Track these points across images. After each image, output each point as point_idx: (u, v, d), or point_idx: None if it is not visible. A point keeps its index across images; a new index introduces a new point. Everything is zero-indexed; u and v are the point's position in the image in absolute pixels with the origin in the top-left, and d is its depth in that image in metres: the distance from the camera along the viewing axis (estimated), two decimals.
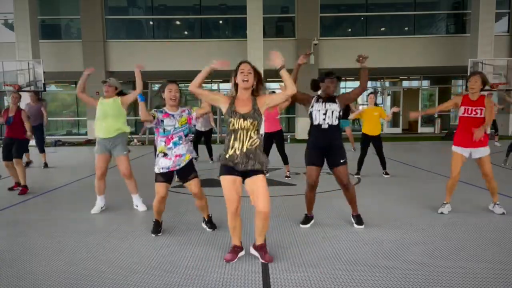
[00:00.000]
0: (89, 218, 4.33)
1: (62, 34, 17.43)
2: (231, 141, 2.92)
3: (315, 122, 3.70)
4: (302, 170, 7.83)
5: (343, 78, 18.60)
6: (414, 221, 3.99)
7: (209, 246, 3.36)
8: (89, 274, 2.78)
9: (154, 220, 3.76)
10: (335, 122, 3.69)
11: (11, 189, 5.88)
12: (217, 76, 18.09)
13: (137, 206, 4.74)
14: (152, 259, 3.06)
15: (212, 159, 8.81)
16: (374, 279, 2.63)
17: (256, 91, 3.01)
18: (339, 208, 4.53)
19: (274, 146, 6.71)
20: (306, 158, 3.79)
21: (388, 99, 19.68)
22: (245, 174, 2.95)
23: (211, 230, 3.81)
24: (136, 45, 16.11)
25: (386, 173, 6.70)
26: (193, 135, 3.56)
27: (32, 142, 6.45)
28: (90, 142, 14.80)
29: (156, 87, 20.74)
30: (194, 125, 4.27)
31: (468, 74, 13.75)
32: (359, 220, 3.86)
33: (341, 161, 3.67)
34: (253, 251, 3.09)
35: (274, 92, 3.22)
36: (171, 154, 3.52)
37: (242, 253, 3.10)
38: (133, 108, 15.73)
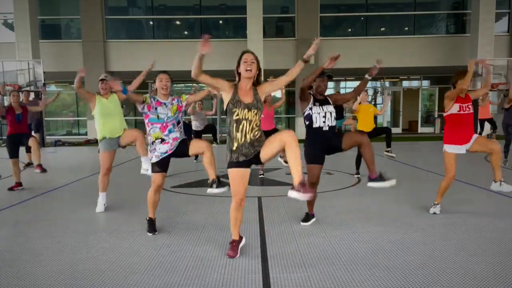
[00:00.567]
0: (89, 218, 4.33)
1: (62, 34, 17.44)
2: (234, 132, 2.94)
3: (315, 125, 3.75)
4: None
5: (343, 78, 18.62)
6: (414, 221, 3.99)
7: (209, 246, 3.36)
8: (89, 274, 2.78)
9: (147, 219, 3.77)
10: (333, 123, 3.80)
11: (11, 189, 5.87)
12: (218, 75, 18.10)
13: (147, 170, 4.29)
14: (152, 259, 3.06)
15: (216, 142, 8.71)
16: (374, 279, 2.63)
17: (256, 81, 3.05)
18: (339, 208, 4.53)
19: None
20: (308, 157, 3.82)
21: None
22: (255, 157, 2.97)
23: (223, 189, 3.53)
24: (136, 45, 16.12)
25: (389, 151, 6.67)
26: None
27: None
28: (90, 142, 14.81)
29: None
30: (185, 111, 4.29)
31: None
32: (381, 177, 3.64)
33: (342, 135, 3.74)
34: (293, 194, 2.73)
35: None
36: (169, 138, 3.63)
37: (242, 243, 3.17)
38: (133, 108, 15.74)
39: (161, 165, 3.64)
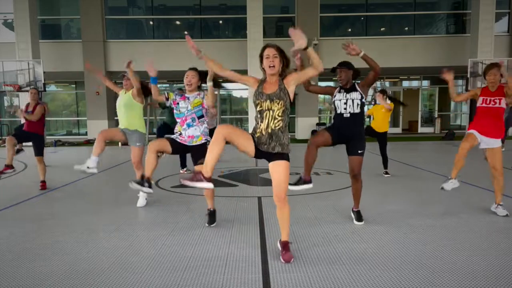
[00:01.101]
0: (89, 218, 4.33)
1: (62, 34, 17.43)
2: (258, 123, 2.94)
3: (338, 111, 3.87)
4: (302, 170, 7.81)
5: None
6: (414, 221, 3.99)
7: (209, 246, 3.35)
8: (89, 274, 2.78)
9: (141, 175, 3.83)
10: (357, 110, 3.80)
11: (0, 172, 5.61)
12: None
13: (139, 195, 4.82)
14: (152, 259, 3.06)
15: None
16: (374, 279, 2.63)
17: (283, 74, 2.96)
18: (339, 208, 4.53)
19: None
20: (322, 129, 3.92)
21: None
22: (270, 157, 2.93)
23: (211, 224, 3.87)
24: (136, 45, 16.11)
25: (387, 173, 6.70)
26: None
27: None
28: (90, 142, 14.81)
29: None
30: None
31: (468, 74, 13.85)
32: (359, 217, 3.94)
33: (359, 151, 3.79)
34: (278, 245, 3.07)
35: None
36: (185, 135, 3.80)
37: (204, 184, 2.81)
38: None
39: (171, 140, 3.79)
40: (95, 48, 15.79)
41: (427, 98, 20.01)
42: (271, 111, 2.89)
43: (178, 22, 17.62)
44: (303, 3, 15.77)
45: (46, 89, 15.49)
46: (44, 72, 13.76)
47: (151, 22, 17.12)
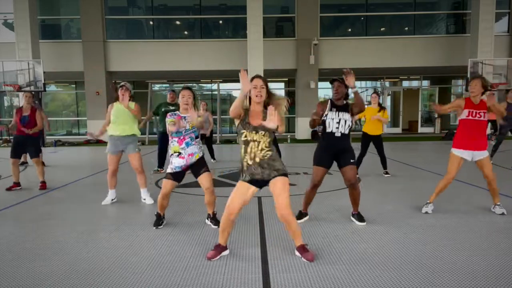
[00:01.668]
0: (89, 218, 4.33)
1: (62, 34, 17.43)
2: (243, 153, 3.00)
3: (328, 130, 3.84)
4: (302, 170, 7.86)
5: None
6: (414, 221, 3.99)
7: (209, 246, 3.35)
8: (89, 274, 2.78)
9: (156, 213, 3.98)
10: (347, 131, 3.84)
11: (9, 189, 5.88)
12: (218, 75, 18.12)
13: (144, 199, 5.05)
14: (152, 259, 3.06)
15: (214, 159, 8.81)
16: (374, 279, 2.63)
17: (267, 104, 3.01)
18: (339, 208, 4.53)
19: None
20: (316, 158, 3.92)
21: (388, 99, 19.69)
22: (268, 181, 3.00)
23: (216, 227, 3.86)
24: (136, 45, 16.12)
25: (387, 173, 6.70)
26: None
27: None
28: (90, 142, 14.81)
29: (156, 87, 20.73)
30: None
31: (468, 74, 13.87)
32: (360, 218, 3.96)
33: (351, 160, 3.82)
34: (297, 253, 3.09)
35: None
36: (185, 153, 3.78)
37: (225, 253, 3.13)
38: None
39: (174, 176, 3.81)
40: (95, 48, 15.79)
41: (427, 98, 20.03)
42: (256, 143, 2.94)
43: (178, 22, 17.62)
44: (303, 3, 15.77)
45: (46, 89, 15.48)
46: (44, 72, 13.76)
47: (151, 22, 17.12)
